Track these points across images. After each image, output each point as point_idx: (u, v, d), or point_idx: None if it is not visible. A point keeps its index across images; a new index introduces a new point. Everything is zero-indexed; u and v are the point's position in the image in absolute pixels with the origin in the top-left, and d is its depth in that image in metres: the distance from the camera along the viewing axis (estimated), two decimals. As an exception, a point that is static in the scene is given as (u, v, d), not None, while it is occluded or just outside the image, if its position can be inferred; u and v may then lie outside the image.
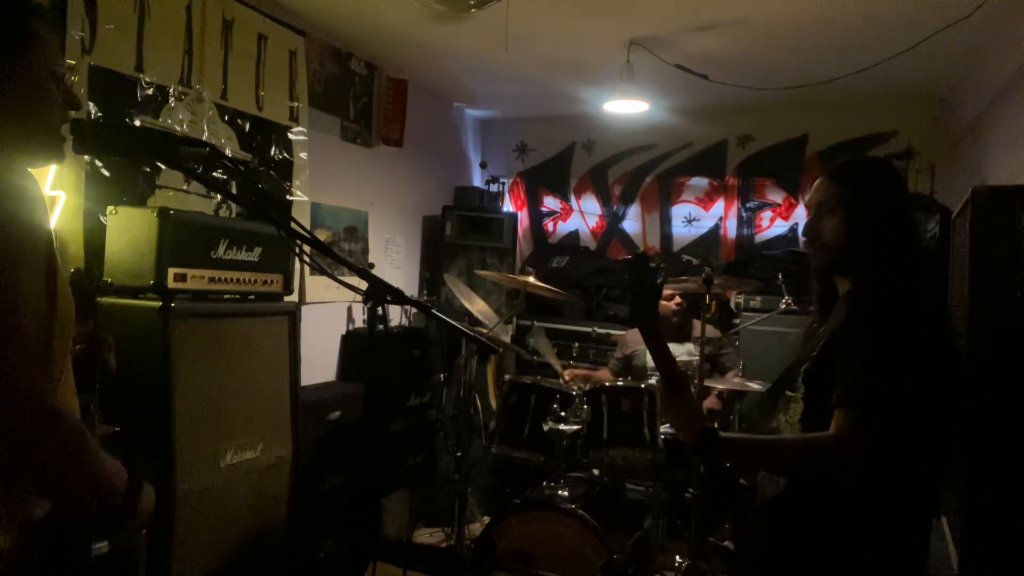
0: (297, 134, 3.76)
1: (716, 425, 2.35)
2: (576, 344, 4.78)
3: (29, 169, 1.14)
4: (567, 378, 3.61)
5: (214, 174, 3.10)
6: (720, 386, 3.46)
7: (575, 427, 2.92)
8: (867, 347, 1.37)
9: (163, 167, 2.98)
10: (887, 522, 1.40)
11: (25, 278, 1.03)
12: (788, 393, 1.57)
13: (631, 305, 1.47)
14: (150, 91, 2.95)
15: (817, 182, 1.61)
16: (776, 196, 5.06)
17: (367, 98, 4.40)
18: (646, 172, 5.49)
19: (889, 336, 1.37)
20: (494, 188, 5.46)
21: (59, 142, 1.24)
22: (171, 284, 2.41)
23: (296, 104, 3.76)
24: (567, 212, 5.77)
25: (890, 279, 1.46)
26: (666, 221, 5.44)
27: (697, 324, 3.50)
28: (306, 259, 1.46)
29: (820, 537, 1.44)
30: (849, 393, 1.37)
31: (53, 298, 1.10)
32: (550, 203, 5.83)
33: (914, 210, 1.64)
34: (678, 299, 3.83)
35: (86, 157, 2.63)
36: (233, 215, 3.27)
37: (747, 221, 5.15)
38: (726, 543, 3.21)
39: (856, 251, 1.50)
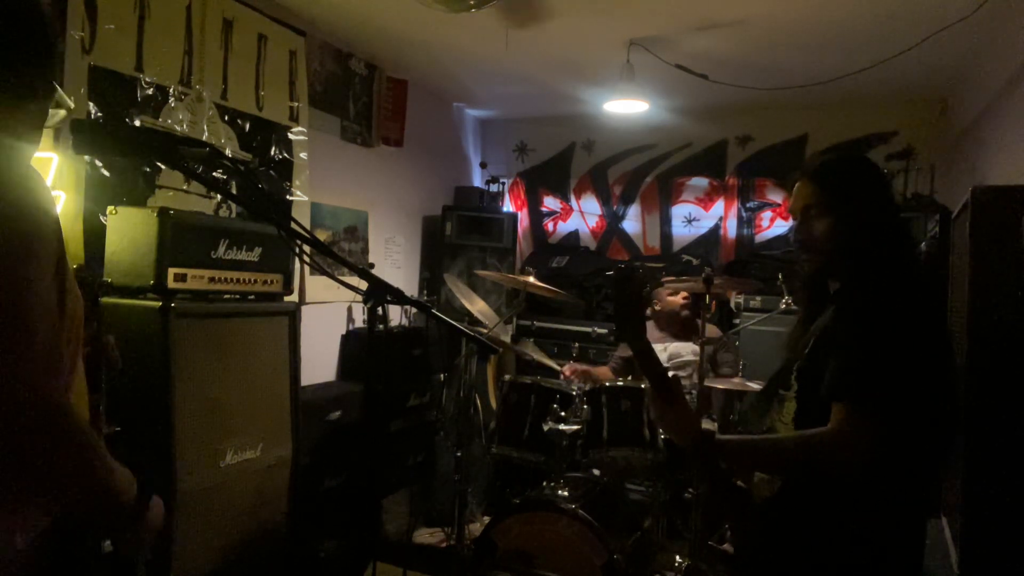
0: (297, 134, 3.76)
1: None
2: (576, 344, 4.78)
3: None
4: (568, 372, 3.61)
5: (214, 174, 3.10)
6: (720, 387, 3.46)
7: (575, 427, 2.92)
8: (858, 338, 1.36)
9: (163, 167, 2.98)
10: (883, 521, 1.39)
11: (35, 276, 1.00)
12: (782, 392, 1.56)
13: (616, 321, 1.45)
14: (150, 91, 2.96)
15: (797, 186, 1.59)
16: (776, 196, 5.06)
17: (367, 98, 4.40)
18: (646, 172, 5.49)
19: (879, 326, 1.36)
20: (494, 188, 5.46)
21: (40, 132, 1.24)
22: (171, 284, 2.40)
23: (296, 104, 3.76)
24: (567, 212, 5.77)
25: (878, 273, 1.45)
26: (666, 221, 5.44)
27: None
28: (306, 259, 1.46)
29: (816, 537, 1.43)
30: (842, 385, 1.35)
31: (63, 294, 1.09)
32: (550, 203, 5.83)
33: (906, 208, 1.63)
34: (684, 293, 3.83)
35: (86, 157, 2.64)
36: (233, 215, 3.27)
37: (747, 221, 5.15)
38: (725, 546, 3.20)
39: (848, 251, 1.50)
